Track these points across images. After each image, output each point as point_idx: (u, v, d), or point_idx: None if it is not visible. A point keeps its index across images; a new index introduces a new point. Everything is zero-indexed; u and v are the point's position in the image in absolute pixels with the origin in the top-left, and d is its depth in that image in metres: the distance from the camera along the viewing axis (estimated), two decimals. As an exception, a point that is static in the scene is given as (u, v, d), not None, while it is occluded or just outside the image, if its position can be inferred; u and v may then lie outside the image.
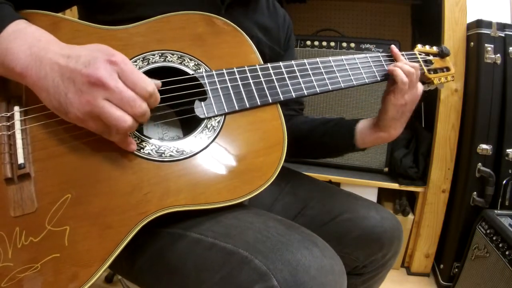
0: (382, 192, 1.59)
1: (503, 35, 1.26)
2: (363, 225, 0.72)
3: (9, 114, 0.51)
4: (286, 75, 0.67)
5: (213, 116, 0.60)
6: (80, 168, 0.52)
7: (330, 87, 0.70)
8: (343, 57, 0.73)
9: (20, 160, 0.49)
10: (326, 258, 0.51)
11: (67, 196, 0.50)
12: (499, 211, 1.22)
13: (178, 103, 0.60)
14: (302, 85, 0.68)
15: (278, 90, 0.65)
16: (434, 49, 0.84)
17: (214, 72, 0.62)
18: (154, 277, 0.59)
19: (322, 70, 0.70)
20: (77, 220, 0.49)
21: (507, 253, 1.04)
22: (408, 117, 0.76)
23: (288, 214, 0.77)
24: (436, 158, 1.42)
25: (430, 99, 1.48)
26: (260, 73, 0.65)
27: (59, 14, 0.58)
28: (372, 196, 1.53)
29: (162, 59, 0.61)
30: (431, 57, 0.82)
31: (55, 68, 0.47)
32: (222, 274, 0.51)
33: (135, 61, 0.59)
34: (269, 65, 0.66)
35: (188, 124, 0.63)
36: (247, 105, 0.62)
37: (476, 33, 1.29)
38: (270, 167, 0.59)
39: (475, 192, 1.31)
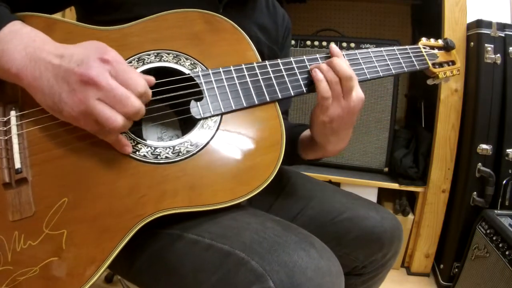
0: (382, 192, 1.58)
1: (503, 35, 1.26)
2: (363, 225, 0.71)
3: (5, 119, 0.51)
4: (284, 73, 0.65)
5: (210, 117, 0.59)
6: (77, 172, 0.51)
7: None
8: (343, 52, 0.69)
9: (17, 165, 0.50)
10: (323, 260, 0.51)
11: (63, 200, 0.50)
12: (499, 211, 1.21)
13: (176, 103, 0.59)
14: (301, 83, 0.66)
15: (276, 88, 0.64)
16: (439, 42, 0.81)
17: (210, 71, 0.61)
18: (152, 278, 0.59)
19: None
20: (74, 224, 0.49)
21: (507, 253, 1.04)
22: (346, 130, 0.66)
23: (288, 214, 0.77)
24: (436, 158, 1.42)
25: (430, 99, 1.48)
26: (258, 71, 0.64)
27: (54, 16, 0.58)
28: (372, 196, 1.53)
29: (158, 59, 0.60)
30: (436, 51, 0.80)
31: (49, 68, 0.47)
32: (219, 275, 0.51)
33: (130, 62, 0.59)
34: (267, 62, 0.65)
35: (188, 122, 0.62)
36: (245, 104, 0.61)
37: (476, 33, 1.29)
38: (268, 167, 0.58)
39: (475, 192, 1.31)
